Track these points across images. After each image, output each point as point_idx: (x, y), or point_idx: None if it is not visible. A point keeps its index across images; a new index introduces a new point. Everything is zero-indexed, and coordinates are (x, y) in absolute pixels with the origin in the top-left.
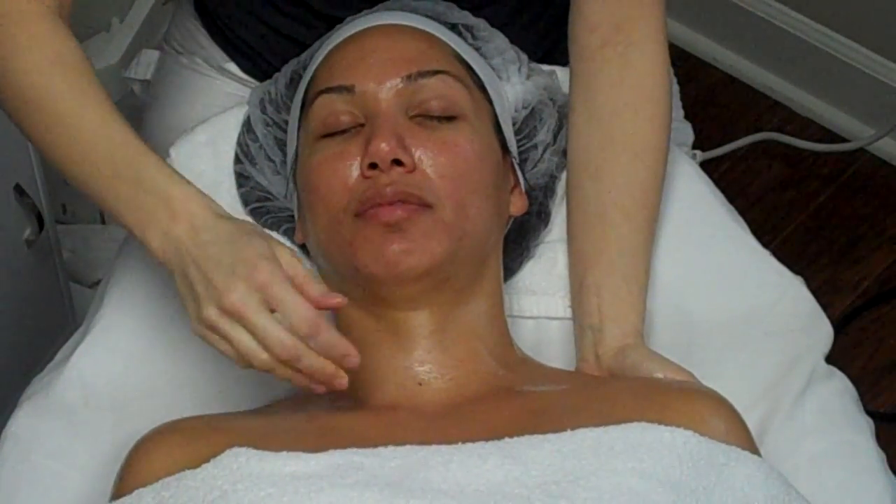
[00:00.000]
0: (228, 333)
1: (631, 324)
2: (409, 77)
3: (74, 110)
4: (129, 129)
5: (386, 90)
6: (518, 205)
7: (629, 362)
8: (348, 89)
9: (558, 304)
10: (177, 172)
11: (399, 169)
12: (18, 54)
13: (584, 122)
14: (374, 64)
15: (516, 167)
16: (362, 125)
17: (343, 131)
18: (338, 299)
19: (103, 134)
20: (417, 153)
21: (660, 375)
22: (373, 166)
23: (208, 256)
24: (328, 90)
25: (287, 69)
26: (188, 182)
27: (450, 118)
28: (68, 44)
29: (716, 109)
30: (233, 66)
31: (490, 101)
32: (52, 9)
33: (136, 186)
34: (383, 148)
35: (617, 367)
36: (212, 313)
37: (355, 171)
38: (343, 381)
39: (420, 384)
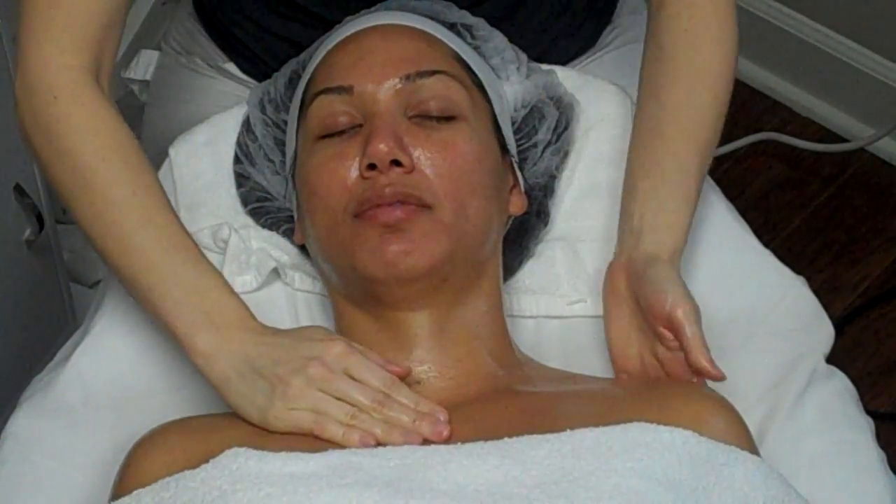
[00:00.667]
0: (314, 397)
1: (670, 238)
2: (407, 77)
3: (132, 204)
4: (186, 232)
5: (384, 91)
6: (517, 204)
7: (651, 274)
8: (347, 90)
9: (558, 303)
10: (227, 283)
11: (398, 169)
12: (77, 136)
13: (649, 54)
14: (372, 64)
15: (515, 167)
16: (361, 126)
17: (342, 132)
18: (399, 368)
19: (160, 234)
20: (416, 153)
21: (668, 299)
22: (371, 167)
23: (279, 350)
24: (326, 91)
25: (286, 69)
26: (238, 296)
27: (448, 118)
28: (124, 128)
29: None
30: (232, 67)
31: (489, 101)
32: (93, 74)
33: (190, 291)
34: (382, 149)
35: (640, 274)
36: (300, 382)
37: (354, 172)
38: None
39: (419, 383)
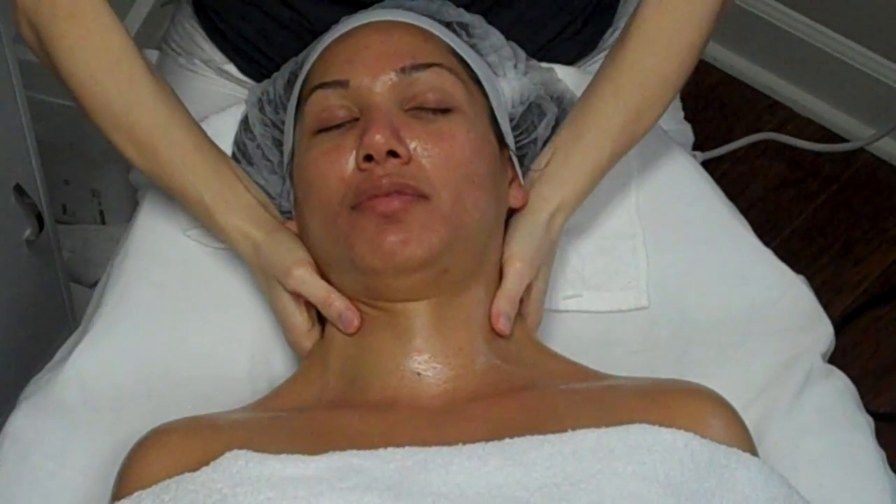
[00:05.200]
0: None
1: (560, 193)
2: (403, 70)
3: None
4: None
5: (381, 84)
6: (518, 198)
7: (516, 222)
8: (343, 84)
9: (556, 297)
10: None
11: (395, 160)
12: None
13: (631, 15)
14: (368, 58)
15: (515, 161)
16: (357, 119)
17: (338, 126)
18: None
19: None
20: (413, 145)
21: (507, 250)
22: (368, 158)
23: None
24: (323, 85)
25: (285, 69)
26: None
27: (445, 110)
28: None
29: (716, 109)
30: (231, 68)
31: (486, 95)
32: None
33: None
34: (378, 139)
35: (512, 221)
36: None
37: (351, 164)
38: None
39: (419, 374)
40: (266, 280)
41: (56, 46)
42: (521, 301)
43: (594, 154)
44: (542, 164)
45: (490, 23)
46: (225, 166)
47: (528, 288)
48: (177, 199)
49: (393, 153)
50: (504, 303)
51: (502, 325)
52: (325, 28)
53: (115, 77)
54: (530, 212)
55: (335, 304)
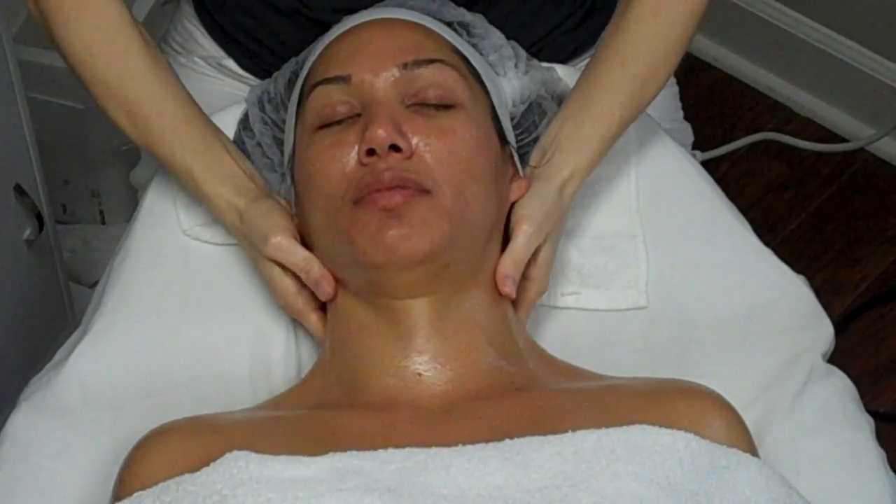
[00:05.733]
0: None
1: (572, 161)
2: (405, 66)
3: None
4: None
5: (383, 79)
6: (519, 192)
7: (531, 189)
8: (345, 79)
9: (556, 292)
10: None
11: (397, 155)
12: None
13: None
14: (370, 54)
15: (516, 157)
16: (359, 115)
17: (340, 122)
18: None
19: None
20: (415, 140)
21: (519, 212)
22: (370, 153)
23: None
24: (325, 81)
25: (286, 69)
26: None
27: (447, 106)
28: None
29: (716, 109)
30: (231, 63)
31: (487, 93)
32: None
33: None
34: (380, 134)
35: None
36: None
37: (353, 159)
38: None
39: (419, 375)
40: (250, 248)
41: (54, 20)
42: (528, 265)
43: (603, 123)
44: (551, 135)
45: (486, 12)
46: (214, 138)
47: (536, 253)
48: (165, 167)
49: (395, 147)
50: (510, 266)
51: (508, 288)
52: (325, 15)
53: (110, 48)
54: (542, 179)
55: (313, 270)
